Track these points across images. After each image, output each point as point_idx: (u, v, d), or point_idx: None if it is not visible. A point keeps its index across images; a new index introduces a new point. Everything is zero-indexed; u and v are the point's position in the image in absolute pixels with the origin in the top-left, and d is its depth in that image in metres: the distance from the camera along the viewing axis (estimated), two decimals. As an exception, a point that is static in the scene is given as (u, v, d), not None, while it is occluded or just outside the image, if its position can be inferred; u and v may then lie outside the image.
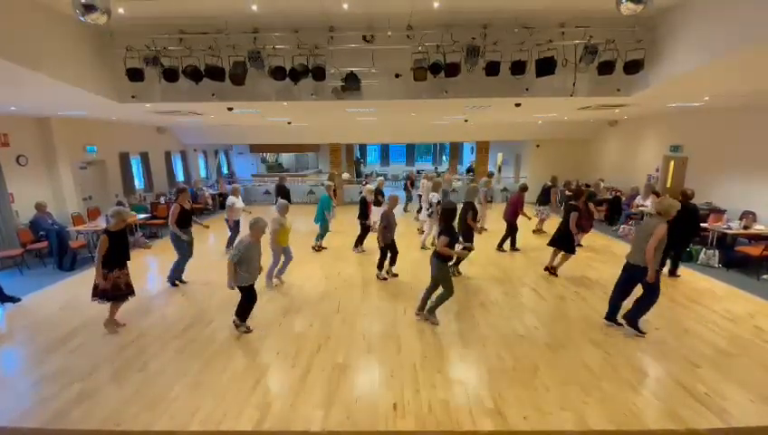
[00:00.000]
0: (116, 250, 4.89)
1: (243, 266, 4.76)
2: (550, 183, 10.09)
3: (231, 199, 8.17)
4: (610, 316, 5.10)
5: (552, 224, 10.45)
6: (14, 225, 8.07)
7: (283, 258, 6.55)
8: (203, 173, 17.58)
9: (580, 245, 8.37)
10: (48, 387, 3.96)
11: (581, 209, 6.78)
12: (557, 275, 6.94)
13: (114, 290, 4.95)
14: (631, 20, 5.25)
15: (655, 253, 4.43)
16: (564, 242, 6.78)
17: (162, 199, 12.26)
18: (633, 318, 4.84)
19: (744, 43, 4.08)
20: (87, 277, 7.36)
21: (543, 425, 3.35)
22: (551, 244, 6.99)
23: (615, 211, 10.89)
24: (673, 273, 6.88)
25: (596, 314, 5.41)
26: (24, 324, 5.43)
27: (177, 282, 6.70)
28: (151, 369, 4.26)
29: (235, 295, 4.98)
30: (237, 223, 8.34)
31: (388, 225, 6.56)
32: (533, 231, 10.15)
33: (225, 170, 19.97)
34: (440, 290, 5.13)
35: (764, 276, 6.67)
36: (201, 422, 3.43)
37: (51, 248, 7.95)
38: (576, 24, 5.72)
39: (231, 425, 3.40)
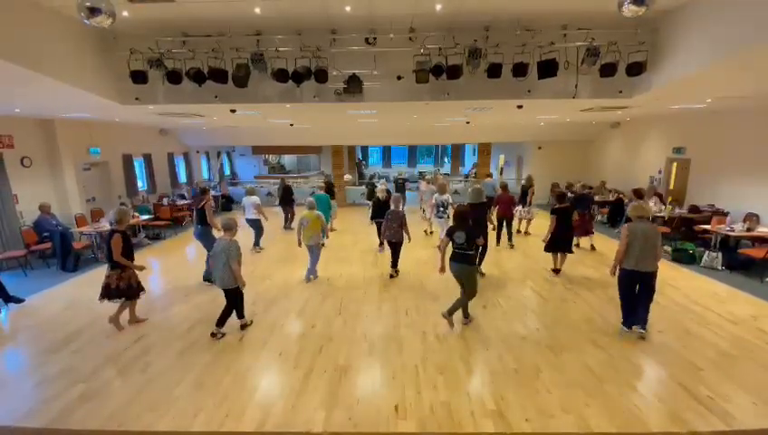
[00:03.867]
0: (126, 249, 5.01)
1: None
2: (526, 183, 10.21)
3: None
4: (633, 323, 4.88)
5: (539, 225, 10.54)
6: (18, 226, 8.12)
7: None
8: (205, 175, 17.63)
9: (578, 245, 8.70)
10: (51, 387, 3.98)
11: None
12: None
13: (129, 288, 5.08)
14: (633, 22, 5.25)
15: None
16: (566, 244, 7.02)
17: (165, 201, 12.31)
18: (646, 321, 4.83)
19: (745, 44, 4.08)
20: (90, 278, 7.42)
21: (545, 427, 3.35)
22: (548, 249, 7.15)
23: (617, 213, 10.86)
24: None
25: (598, 317, 5.40)
26: (27, 325, 5.47)
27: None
28: (154, 370, 4.28)
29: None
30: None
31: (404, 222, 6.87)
32: (520, 231, 10.25)
33: (227, 172, 20.03)
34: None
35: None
36: (203, 423, 3.44)
37: (54, 249, 7.99)
38: (578, 26, 5.72)
39: (233, 426, 3.40)
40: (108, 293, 4.99)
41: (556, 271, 7.15)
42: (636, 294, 4.79)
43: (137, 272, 5.19)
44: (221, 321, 4.95)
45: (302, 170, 23.28)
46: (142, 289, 5.27)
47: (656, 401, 3.64)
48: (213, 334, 4.92)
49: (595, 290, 6.39)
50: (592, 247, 8.70)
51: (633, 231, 4.63)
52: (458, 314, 5.19)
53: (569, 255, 7.15)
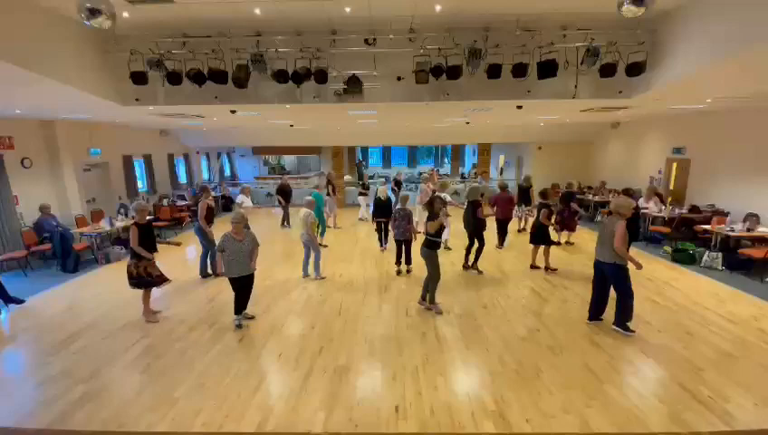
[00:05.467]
0: (144, 240, 5.31)
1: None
2: (525, 184, 10.31)
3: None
4: (596, 317, 5.21)
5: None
6: (18, 227, 8.12)
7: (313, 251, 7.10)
8: (205, 175, 17.64)
9: (559, 242, 9.03)
10: (52, 388, 3.98)
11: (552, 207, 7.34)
12: (555, 270, 7.30)
13: (147, 277, 5.38)
14: (633, 22, 5.25)
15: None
16: (540, 237, 7.26)
17: (165, 202, 12.31)
18: (621, 324, 4.94)
19: (745, 44, 4.08)
20: (91, 279, 7.44)
21: (546, 428, 3.35)
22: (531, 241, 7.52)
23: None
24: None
25: (598, 317, 5.40)
26: (27, 326, 5.47)
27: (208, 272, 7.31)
28: (154, 370, 4.28)
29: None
30: None
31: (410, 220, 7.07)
32: (518, 231, 10.32)
33: (227, 172, 20.03)
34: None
35: (768, 279, 6.65)
36: (203, 424, 3.44)
37: (54, 250, 7.98)
38: (578, 26, 5.72)
39: (233, 427, 3.40)
40: (130, 280, 5.35)
41: (535, 267, 7.42)
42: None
43: (156, 262, 5.51)
44: (241, 308, 5.33)
45: (301, 171, 23.27)
46: (164, 280, 5.56)
47: (656, 402, 3.64)
48: (250, 318, 5.45)
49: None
50: (567, 243, 9.17)
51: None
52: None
53: (568, 254, 7.24)
